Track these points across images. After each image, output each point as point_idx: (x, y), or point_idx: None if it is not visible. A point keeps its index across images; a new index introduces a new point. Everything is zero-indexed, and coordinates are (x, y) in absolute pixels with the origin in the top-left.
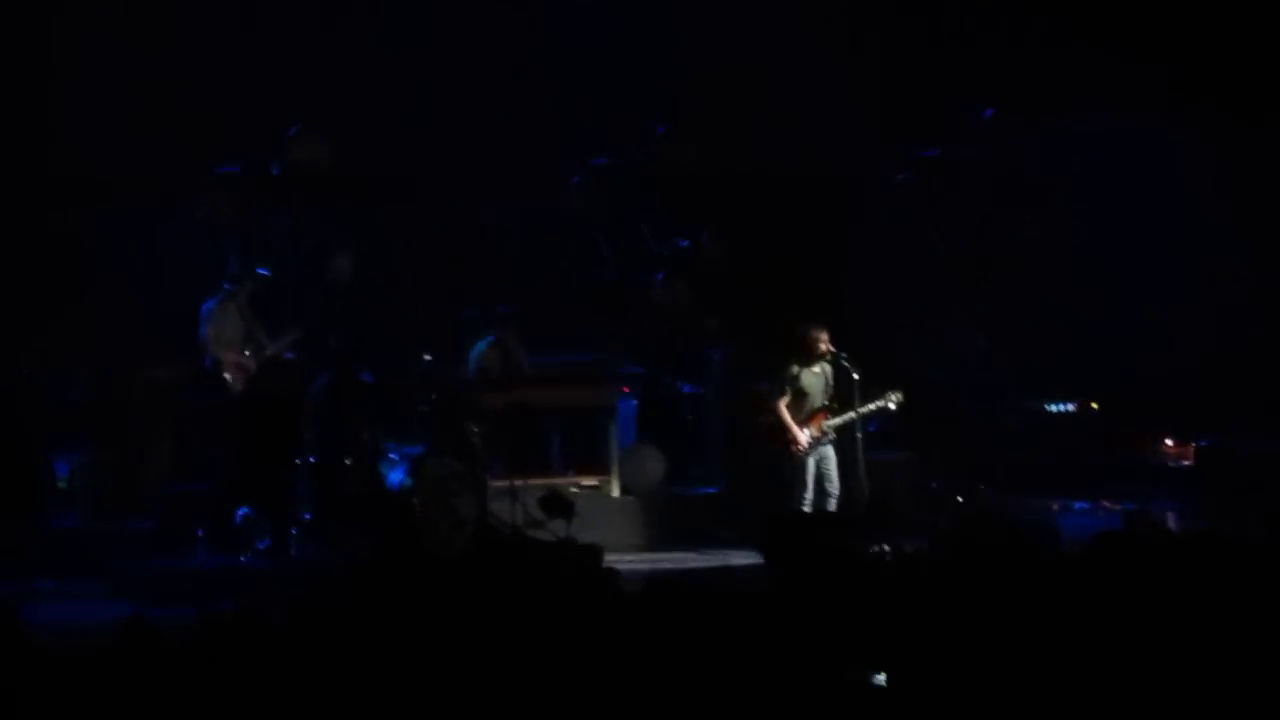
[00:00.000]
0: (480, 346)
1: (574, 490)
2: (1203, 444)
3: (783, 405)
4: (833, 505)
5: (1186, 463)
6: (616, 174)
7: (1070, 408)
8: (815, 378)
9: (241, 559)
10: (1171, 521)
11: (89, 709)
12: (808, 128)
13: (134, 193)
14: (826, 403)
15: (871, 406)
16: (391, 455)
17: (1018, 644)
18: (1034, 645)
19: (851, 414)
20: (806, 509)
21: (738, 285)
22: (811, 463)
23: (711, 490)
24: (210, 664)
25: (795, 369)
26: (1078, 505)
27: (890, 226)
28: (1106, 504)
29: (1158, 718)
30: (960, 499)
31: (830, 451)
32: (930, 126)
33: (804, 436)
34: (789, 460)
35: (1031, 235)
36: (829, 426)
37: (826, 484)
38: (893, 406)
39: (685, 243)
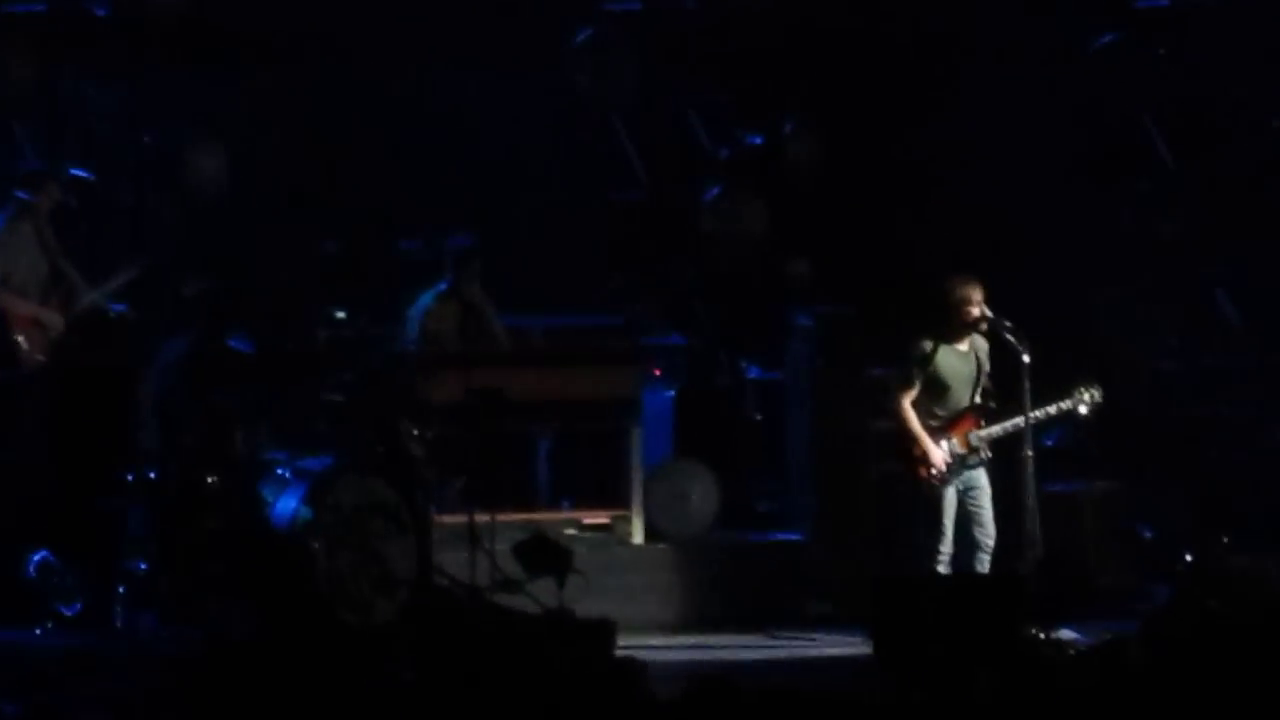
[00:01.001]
0: (426, 300)
1: (572, 533)
2: None
3: (908, 403)
4: (985, 564)
5: None
6: (649, 28)
7: None
8: (961, 361)
9: (37, 631)
10: None
11: None
12: None
13: None
14: (979, 401)
15: (1051, 409)
16: (281, 472)
17: None
18: None
19: (1019, 419)
20: (943, 569)
21: (840, 209)
22: (952, 496)
23: (793, 538)
24: None
25: (929, 346)
26: None
27: (1083, 119)
28: None
29: None
30: (1189, 558)
31: (983, 479)
32: None
33: (941, 454)
34: (918, 491)
35: None
36: (981, 439)
37: (976, 530)
38: (1084, 410)
39: (757, 139)
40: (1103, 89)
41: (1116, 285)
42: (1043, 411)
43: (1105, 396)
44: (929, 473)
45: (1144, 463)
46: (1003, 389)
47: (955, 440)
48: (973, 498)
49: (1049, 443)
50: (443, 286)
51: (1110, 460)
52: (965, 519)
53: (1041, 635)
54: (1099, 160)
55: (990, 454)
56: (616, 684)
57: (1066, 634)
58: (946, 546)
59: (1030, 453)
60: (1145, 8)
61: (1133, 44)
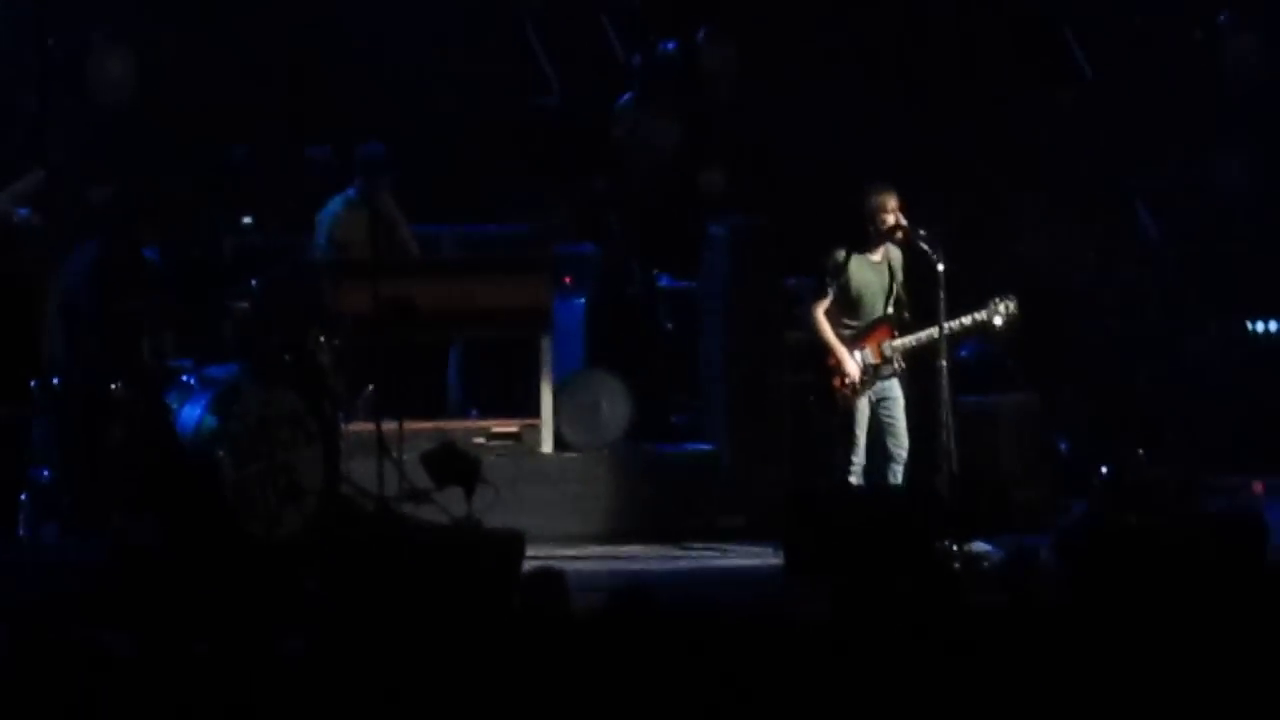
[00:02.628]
0: (335, 207)
1: (481, 443)
2: None
3: (822, 313)
4: (898, 476)
5: None
6: None
7: None
8: (875, 271)
9: None
10: None
11: None
12: None
13: None
14: (892, 311)
15: (966, 320)
16: (187, 379)
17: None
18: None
19: (933, 330)
20: (855, 480)
21: (754, 117)
22: (865, 406)
23: (705, 448)
24: None
25: (843, 255)
26: None
27: (1001, 27)
28: None
29: None
30: (1105, 471)
31: (897, 390)
32: None
33: (854, 364)
34: (830, 403)
35: (1239, 48)
36: (896, 349)
37: (890, 441)
38: (999, 321)
39: (670, 45)
40: None
41: (1035, 197)
42: (957, 322)
43: (1021, 309)
44: (842, 383)
45: (1061, 376)
46: (918, 299)
47: (869, 350)
48: (886, 408)
49: (964, 354)
50: (352, 194)
51: (1027, 373)
52: (878, 430)
53: (955, 548)
54: (1018, 70)
55: (904, 365)
56: (529, 595)
57: (980, 547)
58: (859, 457)
59: (945, 364)
60: None
61: None
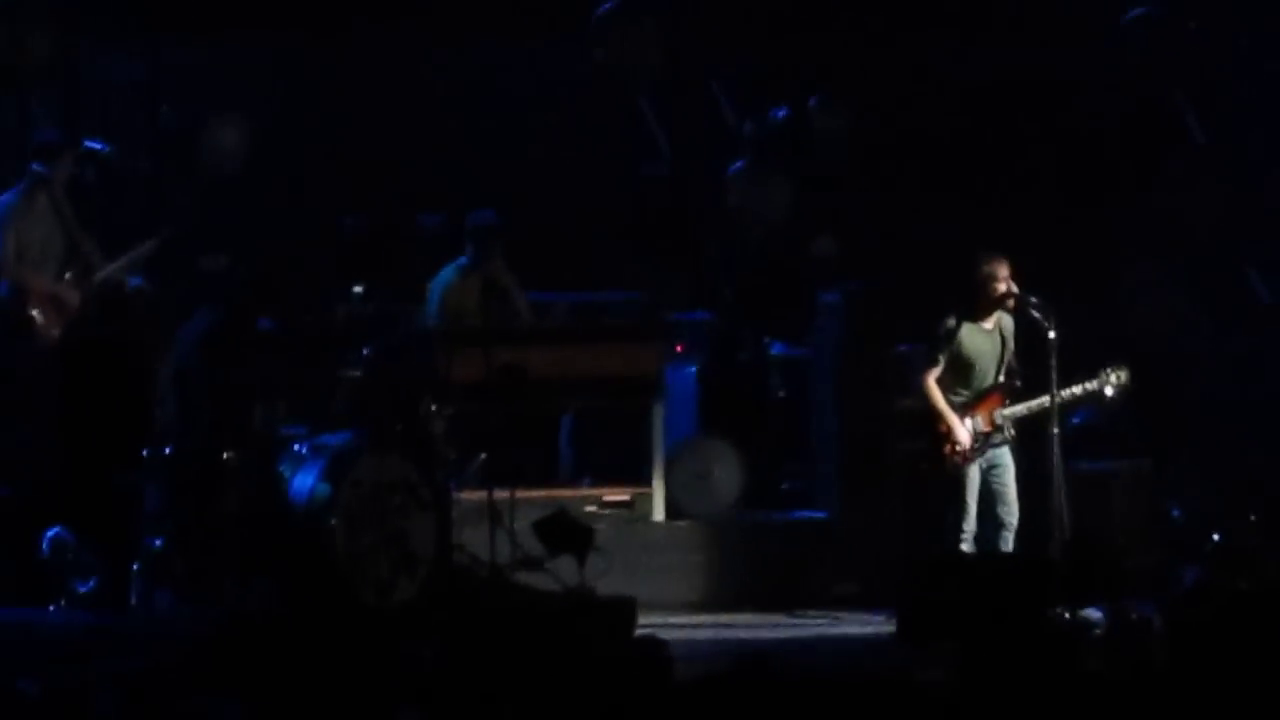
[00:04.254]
0: (447, 275)
1: (593, 510)
2: None
3: (934, 381)
4: (1009, 543)
5: None
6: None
7: None
8: (987, 338)
9: (51, 609)
10: None
11: None
12: None
13: None
14: (1004, 379)
15: (1077, 390)
16: (299, 448)
17: None
18: None
19: (1044, 399)
20: (966, 547)
21: (867, 185)
22: (976, 474)
23: (818, 516)
24: None
25: (955, 323)
26: None
27: (1114, 94)
28: None
29: None
30: (1217, 537)
31: (1008, 457)
32: None
33: (966, 432)
34: (941, 470)
35: None
36: (1007, 418)
37: (1000, 508)
38: (1110, 391)
39: (782, 113)
40: (1134, 63)
41: (1147, 263)
42: (1069, 392)
43: (1133, 378)
44: (954, 451)
45: (1173, 442)
46: (1029, 367)
47: (980, 418)
48: (997, 476)
49: (1076, 421)
50: (464, 261)
51: (1139, 439)
52: (989, 497)
53: (1068, 615)
54: (1130, 136)
55: (1015, 432)
56: (639, 664)
57: (1093, 614)
58: (970, 525)
59: (1057, 431)
60: None
61: (1164, 18)
